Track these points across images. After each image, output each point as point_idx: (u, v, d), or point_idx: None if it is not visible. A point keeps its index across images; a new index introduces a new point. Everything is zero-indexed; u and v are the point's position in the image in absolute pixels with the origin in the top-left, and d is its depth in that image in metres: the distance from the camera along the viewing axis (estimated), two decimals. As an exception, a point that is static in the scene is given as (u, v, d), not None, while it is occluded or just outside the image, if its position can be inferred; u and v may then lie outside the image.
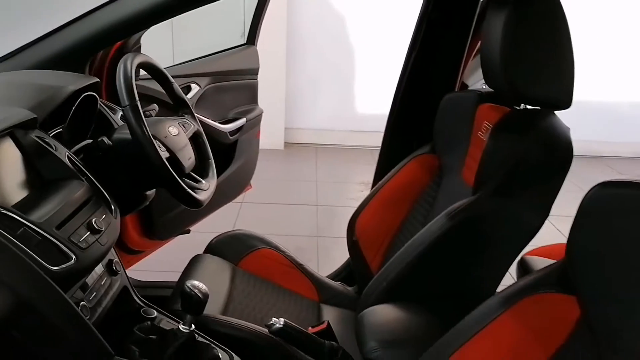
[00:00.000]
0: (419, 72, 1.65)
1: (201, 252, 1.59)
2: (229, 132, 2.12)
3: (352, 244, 1.57)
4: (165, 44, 3.54)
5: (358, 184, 3.66)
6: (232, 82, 2.22)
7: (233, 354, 1.09)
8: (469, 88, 1.73)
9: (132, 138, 1.10)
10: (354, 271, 1.68)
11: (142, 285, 1.74)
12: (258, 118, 2.32)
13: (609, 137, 4.33)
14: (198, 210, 2.04)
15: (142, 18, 1.37)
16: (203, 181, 1.31)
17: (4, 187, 0.92)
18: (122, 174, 1.17)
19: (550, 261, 0.85)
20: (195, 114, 1.42)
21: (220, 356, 1.06)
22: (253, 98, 2.33)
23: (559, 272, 0.80)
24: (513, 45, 1.13)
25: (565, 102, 1.14)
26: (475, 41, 1.64)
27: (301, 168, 4.07)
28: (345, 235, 1.63)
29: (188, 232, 2.13)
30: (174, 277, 1.53)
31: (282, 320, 1.13)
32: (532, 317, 0.80)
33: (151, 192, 1.29)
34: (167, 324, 1.09)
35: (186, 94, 1.70)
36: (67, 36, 1.40)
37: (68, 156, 1.03)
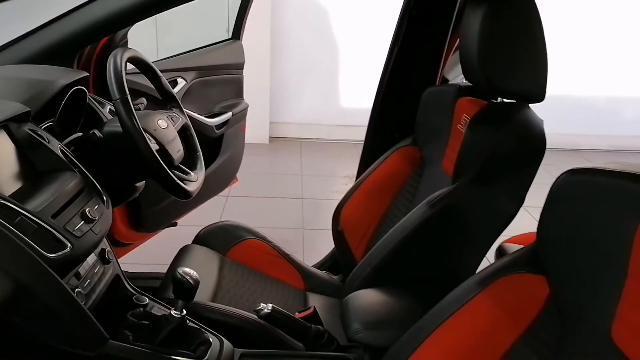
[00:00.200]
0: (400, 67, 1.70)
1: (188, 244, 1.62)
2: (215, 126, 2.14)
3: (337, 233, 1.61)
4: (150, 40, 3.55)
5: (342, 178, 3.71)
6: (218, 77, 2.25)
7: (223, 338, 1.13)
8: (450, 82, 1.78)
9: (122, 131, 1.13)
10: (339, 260, 1.73)
11: (131, 276, 1.76)
12: (244, 112, 2.35)
13: (587, 130, 4.44)
14: (185, 203, 2.09)
15: (128, 14, 1.40)
16: (192, 173, 1.34)
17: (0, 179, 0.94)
18: (112, 166, 1.20)
19: (527, 249, 0.90)
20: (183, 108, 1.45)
21: (211, 340, 1.10)
22: (239, 92, 2.36)
23: (531, 254, 0.85)
24: (489, 42, 1.18)
25: (539, 95, 1.19)
26: (455, 37, 1.69)
27: (286, 162, 4.10)
28: (330, 228, 1.67)
29: (175, 224, 2.15)
30: (162, 269, 1.56)
31: (269, 305, 1.18)
32: (505, 296, 0.85)
33: (141, 184, 1.32)
34: (158, 310, 1.13)
35: (172, 88, 1.73)
36: (55, 31, 1.41)
37: (60, 148, 1.06)
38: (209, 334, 1.12)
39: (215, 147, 2.19)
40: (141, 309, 1.10)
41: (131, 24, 1.61)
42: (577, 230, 0.78)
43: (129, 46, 1.80)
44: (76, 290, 0.96)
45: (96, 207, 1.02)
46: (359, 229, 1.55)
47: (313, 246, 2.75)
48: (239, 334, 1.18)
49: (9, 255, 0.81)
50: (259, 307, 1.18)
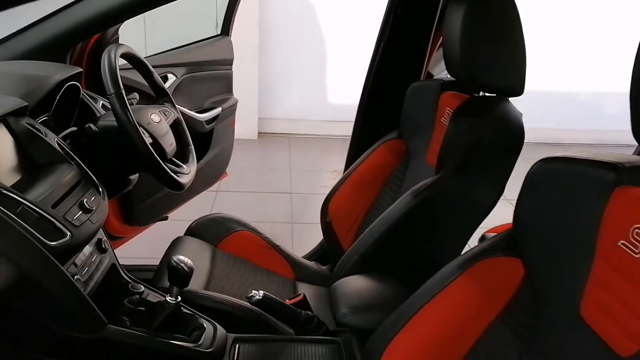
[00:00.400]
0: (386, 63, 1.75)
1: (181, 236, 1.66)
2: (205, 121, 2.17)
3: (326, 225, 1.66)
4: (138, 37, 3.56)
5: (331, 172, 3.75)
6: (208, 72, 2.27)
7: (216, 324, 1.17)
8: (435, 77, 1.83)
9: (117, 124, 1.16)
10: (327, 251, 1.77)
11: (124, 268, 1.80)
12: (233, 107, 2.38)
13: (570, 125, 4.52)
14: (175, 197, 2.12)
15: (119, 11, 1.43)
16: (184, 166, 1.37)
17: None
18: (107, 159, 1.23)
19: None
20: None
21: (205, 326, 1.14)
22: (228, 88, 2.39)
23: (508, 238, 0.91)
24: (471, 39, 1.23)
25: (518, 89, 1.25)
26: (440, 34, 1.74)
27: (275, 157, 4.14)
28: (318, 221, 1.71)
29: (166, 218, 2.19)
30: (154, 263, 1.59)
31: (261, 292, 1.22)
32: (484, 279, 0.91)
33: (134, 177, 1.36)
34: (154, 297, 1.17)
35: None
36: (48, 28, 1.44)
37: (57, 142, 1.09)
38: (203, 320, 1.16)
39: (205, 142, 2.22)
40: (137, 296, 1.14)
41: (122, 21, 1.64)
42: (549, 214, 0.83)
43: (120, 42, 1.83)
44: (75, 277, 1.00)
45: (93, 198, 1.06)
46: (347, 220, 1.60)
47: (302, 239, 2.79)
48: (231, 320, 1.23)
49: (12, 242, 0.84)
50: (251, 294, 1.22)
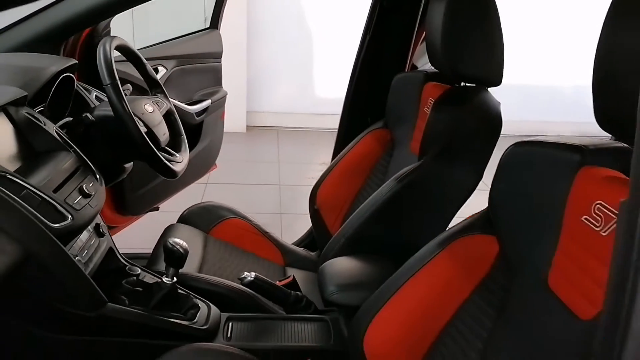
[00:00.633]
0: (372, 55, 1.80)
1: (173, 223, 1.71)
2: (195, 113, 2.21)
3: (314, 212, 1.72)
4: (126, 31, 3.57)
5: (319, 164, 3.80)
6: (197, 65, 2.31)
7: (210, 304, 1.23)
8: (419, 69, 1.90)
9: (113, 114, 1.21)
10: (316, 237, 1.83)
11: (119, 254, 1.84)
12: (222, 100, 2.42)
13: (552, 117, 4.62)
14: (167, 187, 2.16)
15: (111, 5, 1.47)
16: (177, 154, 1.42)
17: (0, 158, 1.02)
18: (103, 148, 1.28)
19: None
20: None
21: (200, 305, 1.20)
22: (217, 80, 2.43)
23: (483, 217, 0.97)
24: (452, 32, 1.29)
25: (496, 80, 1.31)
26: (424, 27, 1.80)
27: (263, 150, 4.18)
28: (306, 212, 1.77)
29: (157, 209, 2.23)
30: (146, 251, 1.63)
31: (252, 273, 1.27)
32: (462, 255, 0.97)
33: (129, 165, 1.40)
34: (150, 279, 1.22)
35: (155, 76, 1.80)
36: (41, 21, 1.48)
37: (55, 130, 1.14)
38: (197, 300, 1.21)
39: (195, 133, 2.26)
40: (134, 277, 1.19)
41: (113, 14, 1.68)
42: (521, 194, 0.90)
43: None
44: (76, 259, 1.05)
45: (91, 184, 1.10)
46: (335, 206, 1.65)
47: (291, 229, 2.84)
48: (224, 300, 1.28)
49: (18, 223, 0.89)
50: (243, 275, 1.27)
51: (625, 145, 0.79)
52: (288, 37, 4.37)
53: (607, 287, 0.53)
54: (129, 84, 1.59)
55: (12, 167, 1.02)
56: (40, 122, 1.11)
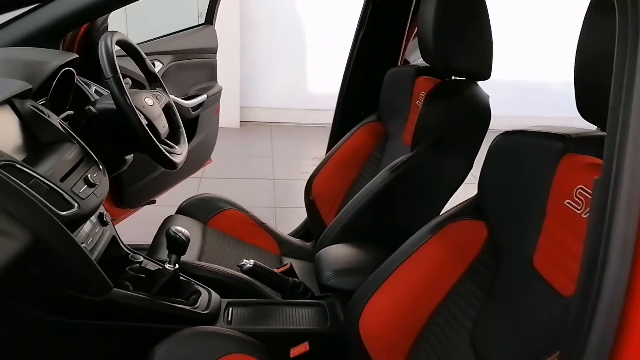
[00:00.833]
0: (365, 50, 1.85)
1: (172, 214, 1.75)
2: (190, 107, 2.25)
3: (309, 203, 1.76)
4: (119, 27, 3.58)
5: (312, 159, 3.84)
6: (193, 60, 2.34)
7: (211, 290, 1.27)
8: (411, 64, 1.94)
9: (116, 107, 1.24)
10: (311, 228, 1.88)
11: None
12: (217, 95, 2.46)
13: (541, 112, 4.68)
14: (163, 181, 2.20)
15: (110, 1, 1.50)
16: (176, 147, 1.46)
17: (7, 149, 1.05)
18: (105, 140, 1.31)
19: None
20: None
21: (201, 291, 1.24)
22: (212, 76, 2.46)
23: (473, 204, 1.02)
24: (443, 28, 1.33)
25: (486, 74, 1.36)
26: (415, 23, 1.84)
27: (257, 145, 4.21)
28: (300, 206, 1.81)
29: (154, 202, 2.26)
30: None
31: (251, 261, 1.32)
32: (452, 240, 1.02)
33: (129, 157, 1.44)
34: (152, 266, 1.26)
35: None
36: (41, 17, 1.51)
37: (59, 122, 1.17)
38: (198, 286, 1.26)
39: (191, 128, 2.29)
40: (137, 264, 1.23)
41: (111, 10, 1.71)
42: (508, 180, 0.95)
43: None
44: (82, 246, 1.08)
45: (96, 174, 1.14)
46: (330, 197, 1.70)
47: (285, 222, 2.88)
48: (223, 287, 1.32)
49: (27, 210, 0.92)
50: (242, 263, 1.31)
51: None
52: (281, 33, 4.39)
53: (581, 263, 0.58)
54: (128, 78, 1.62)
55: (18, 157, 1.05)
56: (45, 114, 1.15)
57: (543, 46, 4.44)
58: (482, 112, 1.33)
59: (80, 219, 1.04)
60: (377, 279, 1.07)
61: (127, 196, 1.97)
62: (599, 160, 0.81)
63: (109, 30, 1.88)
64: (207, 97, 2.34)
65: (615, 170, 0.52)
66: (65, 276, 1.02)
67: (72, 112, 1.34)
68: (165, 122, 1.42)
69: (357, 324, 1.05)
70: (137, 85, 1.84)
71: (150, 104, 1.37)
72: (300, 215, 2.14)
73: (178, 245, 1.18)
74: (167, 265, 1.19)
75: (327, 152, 1.92)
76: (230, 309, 1.25)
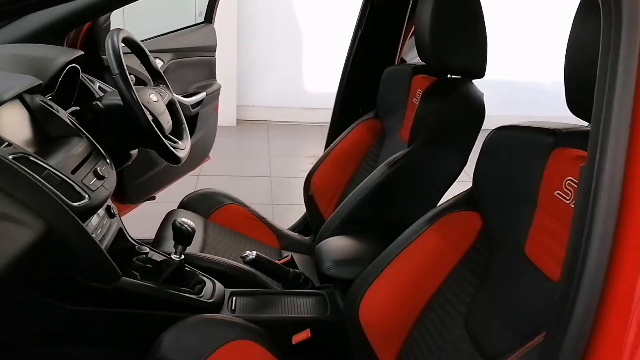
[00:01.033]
0: (363, 49, 1.89)
1: (174, 209, 1.78)
2: (190, 105, 2.29)
3: (308, 198, 1.81)
4: (117, 26, 3.60)
5: (309, 157, 3.88)
6: (192, 59, 2.38)
7: (215, 280, 1.31)
8: (407, 62, 1.99)
9: (122, 102, 1.27)
10: (310, 222, 1.92)
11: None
12: (216, 93, 2.49)
13: (534, 112, 4.74)
14: (163, 177, 2.23)
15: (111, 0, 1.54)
16: (180, 142, 1.49)
17: (18, 142, 1.09)
18: (111, 135, 1.35)
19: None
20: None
21: (205, 281, 1.28)
22: (211, 74, 2.49)
23: (468, 195, 1.07)
24: (439, 27, 1.37)
25: (480, 72, 1.40)
26: (412, 23, 1.89)
27: (254, 143, 4.25)
28: (297, 203, 1.85)
29: (153, 198, 2.30)
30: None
31: (254, 252, 1.36)
32: (448, 230, 1.07)
33: (134, 152, 1.47)
34: (158, 257, 1.30)
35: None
36: (47, 14, 1.54)
37: (67, 117, 1.21)
38: (203, 276, 1.30)
39: (190, 125, 2.32)
40: (144, 255, 1.27)
41: (114, 9, 1.75)
42: (501, 173, 0.99)
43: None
44: (92, 236, 1.12)
45: (104, 167, 1.18)
46: (328, 193, 1.74)
47: (282, 219, 2.91)
48: (227, 278, 1.36)
49: (41, 201, 0.96)
50: (245, 254, 1.35)
51: None
52: (278, 32, 4.43)
53: (567, 247, 0.63)
54: (132, 75, 1.66)
55: (30, 150, 1.09)
56: (54, 109, 1.18)
57: (538, 46, 4.50)
58: (477, 109, 1.38)
59: (91, 210, 1.07)
60: (376, 269, 1.11)
61: (128, 192, 2.00)
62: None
63: (111, 28, 1.92)
64: (207, 95, 2.37)
65: (599, 158, 0.56)
66: (77, 264, 1.06)
67: (77, 107, 1.37)
68: (169, 118, 1.46)
69: (357, 312, 1.09)
70: (139, 82, 1.87)
71: (154, 100, 1.41)
72: (297, 212, 2.18)
73: (184, 236, 1.22)
74: (173, 256, 1.23)
75: (325, 148, 1.96)
76: (234, 298, 1.29)
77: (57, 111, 1.19)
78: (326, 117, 2.10)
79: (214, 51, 2.49)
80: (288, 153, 4.09)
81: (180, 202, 1.80)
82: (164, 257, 1.28)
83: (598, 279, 0.58)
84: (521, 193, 0.94)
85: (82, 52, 1.43)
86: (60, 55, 1.34)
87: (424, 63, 1.57)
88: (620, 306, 0.56)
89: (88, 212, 1.07)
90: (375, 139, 1.72)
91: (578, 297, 0.59)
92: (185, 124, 1.57)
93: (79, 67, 1.42)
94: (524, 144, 0.95)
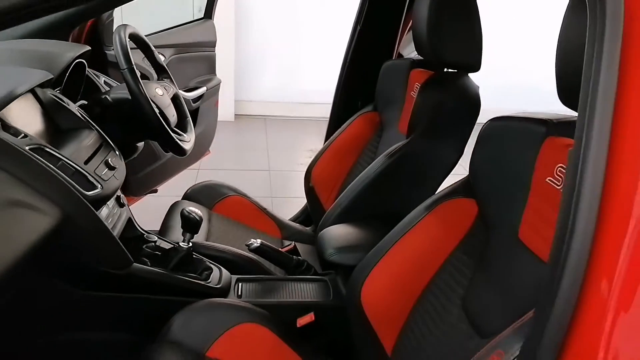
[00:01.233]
0: (362, 44, 1.94)
1: (178, 200, 1.83)
2: (191, 99, 2.33)
3: (309, 189, 1.85)
4: (116, 23, 3.63)
5: (307, 151, 3.93)
6: (193, 54, 2.42)
7: (221, 267, 1.36)
8: (405, 57, 2.03)
9: (130, 96, 1.32)
10: (310, 213, 1.97)
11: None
12: (216, 87, 2.54)
13: (528, 107, 4.79)
14: (165, 170, 2.28)
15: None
16: (184, 135, 1.54)
17: (32, 134, 1.13)
18: (119, 127, 1.39)
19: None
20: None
21: (213, 268, 1.33)
22: (211, 69, 2.54)
23: (465, 183, 1.12)
24: (436, 23, 1.41)
25: (476, 66, 1.45)
26: (409, 18, 1.93)
27: (252, 138, 4.28)
28: (296, 195, 1.89)
29: (155, 191, 2.34)
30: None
31: (259, 240, 1.41)
32: (446, 217, 1.12)
33: (141, 144, 1.52)
34: (166, 245, 1.35)
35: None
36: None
37: (77, 110, 1.25)
38: (210, 264, 1.34)
39: (191, 119, 2.37)
40: (153, 243, 1.32)
41: (115, 7, 1.79)
42: (496, 161, 1.04)
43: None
44: (105, 223, 1.17)
45: (114, 158, 1.22)
46: (328, 184, 1.79)
47: (282, 211, 2.95)
48: (232, 265, 1.41)
49: (57, 190, 1.01)
50: (250, 242, 1.40)
51: None
52: (276, 27, 4.45)
53: (555, 230, 0.68)
54: (138, 70, 1.69)
55: (42, 142, 1.13)
56: (64, 102, 1.22)
57: (534, 42, 4.54)
58: (472, 102, 1.43)
59: (103, 199, 1.12)
60: (377, 254, 1.16)
61: (131, 184, 2.05)
62: (577, 141, 0.91)
63: (114, 24, 1.96)
64: (207, 90, 2.42)
65: (585, 141, 0.61)
66: (92, 251, 1.10)
67: (85, 101, 1.41)
68: (174, 111, 1.50)
69: (359, 296, 1.14)
70: (141, 77, 1.91)
71: (160, 94, 1.45)
72: (296, 204, 2.23)
73: (192, 224, 1.27)
74: (181, 243, 1.28)
75: (325, 141, 2.01)
76: (240, 284, 1.34)
77: (68, 104, 1.23)
78: (323, 111, 2.14)
79: (214, 46, 2.53)
80: (286, 147, 4.13)
81: (184, 194, 1.85)
82: (172, 245, 1.33)
83: (583, 258, 0.62)
84: (515, 180, 0.99)
85: (89, 48, 1.46)
86: (69, 51, 1.37)
87: (421, 57, 1.62)
88: (603, 279, 0.61)
89: (101, 201, 1.11)
90: (374, 131, 1.77)
91: (565, 272, 0.63)
92: (189, 117, 1.61)
93: (85, 62, 1.46)
94: (518, 133, 1.00)
